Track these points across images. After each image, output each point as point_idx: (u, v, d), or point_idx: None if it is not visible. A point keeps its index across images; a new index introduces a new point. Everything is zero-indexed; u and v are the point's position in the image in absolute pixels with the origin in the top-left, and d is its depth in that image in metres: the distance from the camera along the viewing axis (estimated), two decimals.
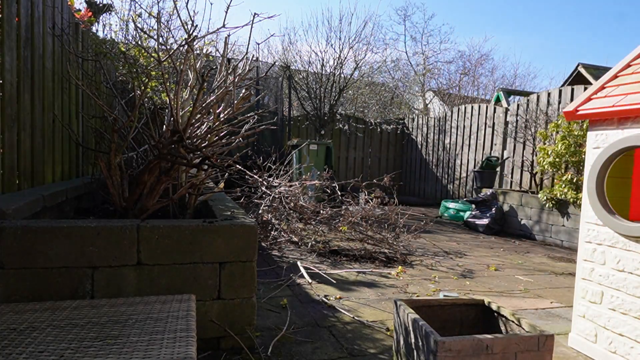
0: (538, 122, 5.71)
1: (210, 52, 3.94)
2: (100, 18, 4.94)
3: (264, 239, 3.74)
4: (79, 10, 3.98)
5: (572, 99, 5.29)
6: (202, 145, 2.13)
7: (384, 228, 3.94)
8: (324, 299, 2.49)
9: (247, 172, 3.60)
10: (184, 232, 1.67)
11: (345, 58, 8.69)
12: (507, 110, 6.59)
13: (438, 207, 6.55)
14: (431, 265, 3.48)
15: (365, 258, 3.49)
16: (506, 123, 6.49)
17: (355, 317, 2.23)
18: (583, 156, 4.31)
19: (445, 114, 8.07)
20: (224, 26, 2.09)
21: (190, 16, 2.02)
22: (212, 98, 2.21)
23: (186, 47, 2.02)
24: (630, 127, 1.81)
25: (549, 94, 5.68)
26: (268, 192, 3.94)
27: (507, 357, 1.37)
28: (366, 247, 3.90)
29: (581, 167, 4.55)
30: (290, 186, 4.02)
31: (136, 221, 1.67)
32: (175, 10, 2.07)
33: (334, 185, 4.45)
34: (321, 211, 4.03)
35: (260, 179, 3.96)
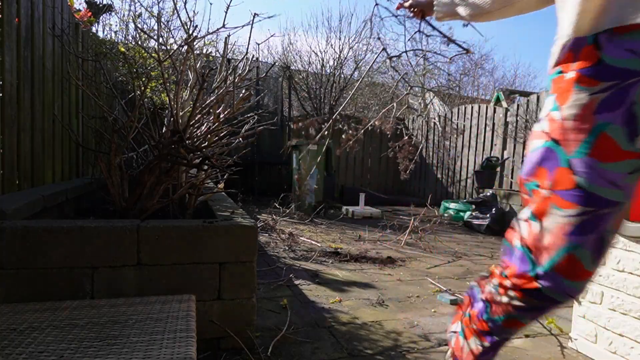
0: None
1: (210, 52, 3.94)
2: (100, 18, 4.94)
3: (266, 244, 3.74)
4: (79, 10, 3.98)
5: None
6: (202, 145, 2.13)
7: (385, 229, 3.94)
8: (324, 299, 2.49)
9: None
10: (184, 233, 1.67)
11: (345, 58, 8.70)
12: (507, 110, 6.59)
13: (438, 207, 6.54)
14: (431, 265, 3.48)
15: (366, 258, 3.49)
16: (506, 123, 6.49)
17: (355, 318, 2.23)
18: None
19: (446, 115, 8.07)
20: (223, 26, 2.09)
21: (190, 16, 2.02)
22: (212, 98, 2.22)
23: (186, 47, 2.02)
24: None
25: None
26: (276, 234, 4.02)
27: None
28: (366, 247, 3.91)
29: None
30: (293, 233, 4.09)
31: (136, 221, 1.67)
32: (175, 11, 2.07)
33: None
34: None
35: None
